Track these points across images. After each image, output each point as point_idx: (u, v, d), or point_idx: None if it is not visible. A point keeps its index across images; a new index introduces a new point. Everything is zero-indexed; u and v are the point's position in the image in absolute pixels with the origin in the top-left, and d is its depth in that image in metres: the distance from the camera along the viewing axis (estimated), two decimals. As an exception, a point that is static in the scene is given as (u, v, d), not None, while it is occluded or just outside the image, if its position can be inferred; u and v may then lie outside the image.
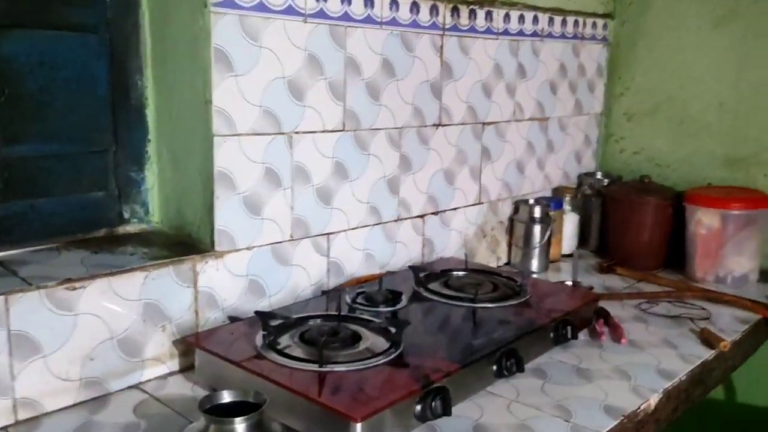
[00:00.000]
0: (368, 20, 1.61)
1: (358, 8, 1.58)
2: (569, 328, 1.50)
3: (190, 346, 1.35)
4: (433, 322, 1.49)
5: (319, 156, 1.58)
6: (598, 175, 2.39)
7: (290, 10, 1.45)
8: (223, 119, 1.37)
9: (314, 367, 1.20)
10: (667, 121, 2.32)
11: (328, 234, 1.63)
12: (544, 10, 2.12)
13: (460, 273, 1.75)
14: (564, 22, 2.21)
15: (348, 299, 1.53)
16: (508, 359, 1.33)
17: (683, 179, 2.25)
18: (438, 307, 1.55)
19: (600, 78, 2.42)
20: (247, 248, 1.47)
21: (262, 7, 1.40)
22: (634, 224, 2.17)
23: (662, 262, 2.18)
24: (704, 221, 2.03)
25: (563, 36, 2.22)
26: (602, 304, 1.73)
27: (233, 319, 1.43)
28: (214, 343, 1.31)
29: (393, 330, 1.32)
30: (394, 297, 1.54)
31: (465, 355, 1.29)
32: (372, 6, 1.61)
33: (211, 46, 1.33)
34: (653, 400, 1.34)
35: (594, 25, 2.34)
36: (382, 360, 1.23)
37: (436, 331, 1.45)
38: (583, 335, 1.59)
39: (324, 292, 1.61)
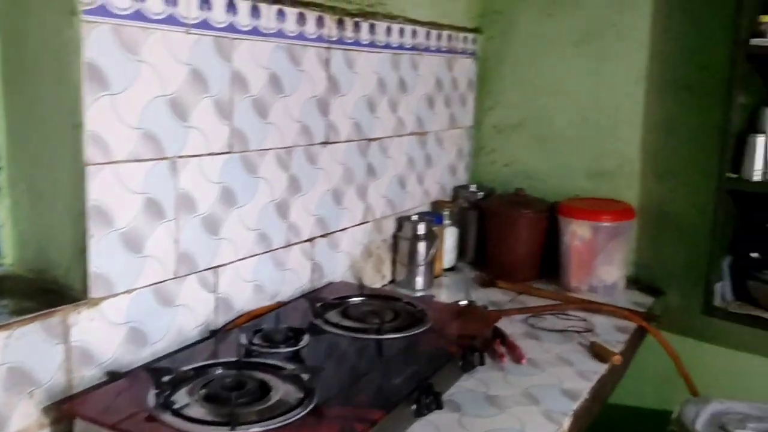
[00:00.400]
0: (255, 32, 1.47)
1: (244, 18, 1.44)
2: (477, 354, 1.47)
3: (64, 413, 1.14)
4: (341, 360, 1.40)
5: (205, 182, 1.41)
6: (472, 188, 2.41)
7: (172, 20, 1.28)
8: (96, 145, 1.17)
9: (225, 430, 1.05)
10: (534, 135, 2.39)
11: (216, 267, 1.47)
12: (422, 24, 2.09)
13: (357, 300, 1.67)
14: (439, 36, 2.20)
15: (245, 340, 1.38)
16: (427, 396, 1.27)
17: (553, 191, 2.33)
18: (342, 342, 1.45)
19: (471, 92, 2.45)
20: (127, 292, 1.28)
21: (140, 16, 1.21)
22: (511, 237, 2.21)
23: (538, 273, 2.24)
24: (578, 233, 2.11)
25: (439, 50, 2.20)
26: (496, 322, 1.73)
27: (113, 376, 1.24)
28: (95, 408, 1.11)
29: (305, 377, 1.20)
30: (295, 334, 1.42)
31: (385, 399, 1.21)
32: (258, 16, 1.47)
33: (82, 60, 1.13)
34: (566, 424, 1.35)
35: (465, 39, 2.35)
36: (299, 414, 1.11)
37: (347, 372, 1.35)
38: (484, 358, 1.57)
39: (213, 333, 1.45)
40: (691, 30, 2.03)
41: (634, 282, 2.21)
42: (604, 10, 2.19)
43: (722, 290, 1.92)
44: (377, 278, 2.05)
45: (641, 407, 2.22)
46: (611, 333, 1.82)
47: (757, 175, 1.80)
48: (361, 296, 1.69)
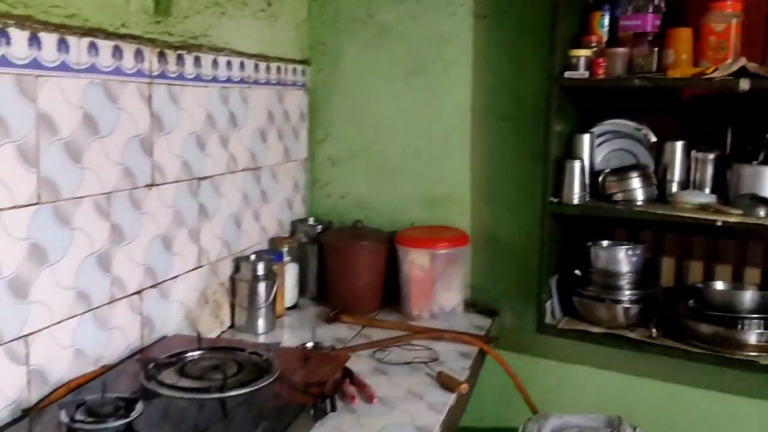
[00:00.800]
0: (63, 67, 1.32)
1: (49, 53, 1.28)
2: (328, 401, 1.41)
3: None
4: (180, 427, 1.27)
5: (9, 239, 1.23)
6: (310, 221, 2.36)
7: (-43, 55, 1.10)
8: None
9: None
10: (368, 166, 2.40)
11: (26, 336, 1.28)
12: (250, 56, 2.01)
13: (195, 354, 1.54)
14: (268, 69, 2.13)
15: (65, 417, 1.21)
16: (280, 457, 1.18)
17: (390, 221, 2.35)
18: (181, 405, 1.32)
19: (303, 124, 2.40)
20: None
21: None
22: (352, 270, 2.18)
23: (380, 304, 2.24)
24: (417, 262, 2.13)
25: (268, 82, 2.14)
26: (344, 362, 1.68)
27: None
28: None
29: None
30: (126, 403, 1.27)
31: (235, 467, 1.11)
32: (67, 50, 1.32)
33: None
34: (424, 463, 1.33)
35: (294, 71, 2.31)
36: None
37: (190, 441, 1.23)
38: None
39: (25, 412, 1.26)
40: (509, 64, 2.15)
41: (472, 305, 2.27)
42: (430, 44, 2.25)
43: (552, 308, 2.03)
44: (216, 325, 1.93)
45: (486, 428, 2.28)
46: (456, 360, 1.84)
47: (576, 198, 1.92)
48: (199, 350, 1.56)
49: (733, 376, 1.93)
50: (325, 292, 2.26)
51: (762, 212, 1.72)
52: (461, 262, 2.19)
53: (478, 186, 2.26)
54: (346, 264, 2.18)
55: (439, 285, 2.15)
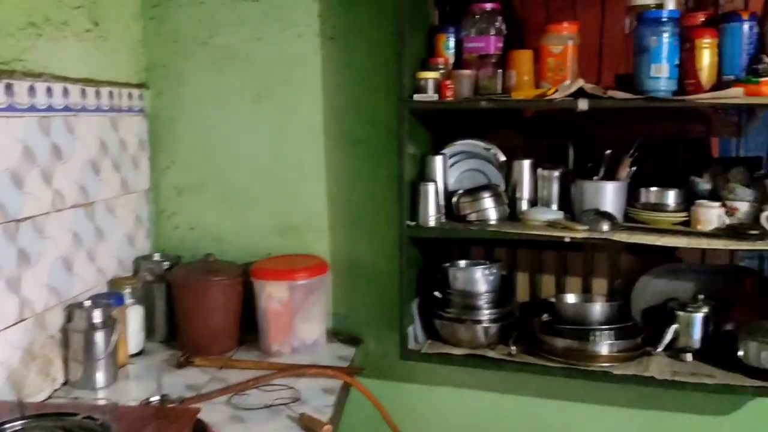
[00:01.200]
0: None
1: None
2: (176, 465, 1.27)
3: None
4: None
5: None
6: (156, 257, 2.18)
7: None
8: None
9: None
10: (218, 195, 2.26)
11: None
12: (75, 80, 1.82)
13: (16, 426, 1.33)
14: (98, 94, 1.94)
15: None
16: None
17: (244, 251, 2.22)
18: (-5, 492, 1.13)
19: (143, 152, 2.22)
20: None
21: None
22: (204, 308, 2.03)
23: (237, 342, 2.10)
24: (275, 294, 2.02)
25: (99, 109, 1.95)
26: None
27: None
28: None
29: None
30: None
31: None
32: None
33: None
34: None
35: (130, 96, 2.13)
36: None
37: None
38: (187, 463, 1.37)
39: None
40: (359, 87, 2.11)
41: (335, 334, 2.20)
42: (276, 66, 2.16)
43: (415, 332, 2.00)
44: (46, 384, 1.71)
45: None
46: (319, 397, 1.76)
47: (432, 221, 1.90)
48: (22, 419, 1.34)
49: (590, 386, 1.99)
50: (176, 334, 2.09)
51: (605, 227, 1.78)
52: (322, 291, 2.11)
53: (335, 211, 2.19)
54: (197, 302, 2.03)
55: (300, 317, 2.05)
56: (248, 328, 2.09)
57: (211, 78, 2.21)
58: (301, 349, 2.05)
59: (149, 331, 2.09)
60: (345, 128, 2.14)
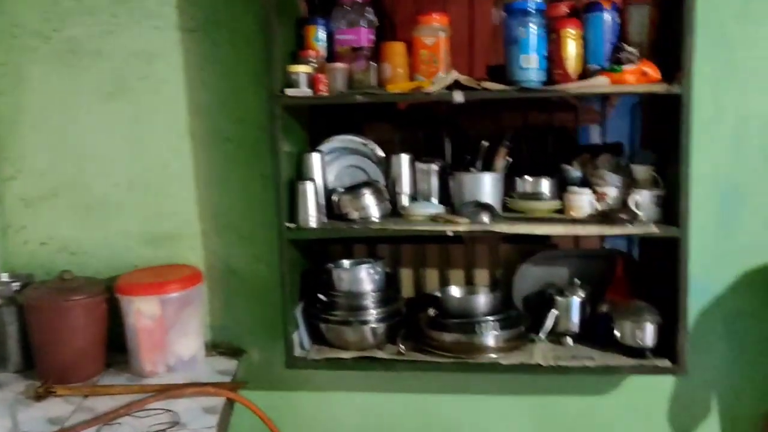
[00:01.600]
0: None
1: None
2: None
3: None
4: None
5: None
6: (4, 278, 1.95)
7: None
8: None
9: None
10: (73, 205, 2.05)
11: None
12: None
13: None
14: None
15: None
16: None
17: (107, 265, 2.04)
18: None
19: (-17, 160, 1.97)
20: None
21: None
22: (64, 331, 1.83)
23: (104, 365, 1.92)
24: (144, 311, 1.86)
25: None
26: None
27: None
28: None
29: None
30: None
31: None
32: None
33: None
34: None
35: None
36: None
37: None
38: None
39: None
40: (225, 82, 1.98)
41: (214, 347, 2.07)
42: (132, 61, 1.99)
43: (300, 338, 1.91)
44: None
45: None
46: (200, 418, 1.65)
47: (312, 222, 1.82)
48: None
49: (479, 378, 2.00)
50: (33, 363, 1.88)
51: (485, 218, 1.78)
52: (197, 303, 1.97)
53: (207, 216, 2.05)
54: (54, 325, 1.83)
55: (174, 333, 1.90)
56: (117, 348, 1.92)
57: (57, 76, 2.00)
58: (178, 366, 1.90)
59: (1, 360, 1.87)
60: (213, 127, 2.01)
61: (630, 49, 1.69)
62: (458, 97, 1.68)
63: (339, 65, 1.82)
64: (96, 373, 1.88)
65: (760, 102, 1.86)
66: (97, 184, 2.05)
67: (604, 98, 2.02)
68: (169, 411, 1.66)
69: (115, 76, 2.00)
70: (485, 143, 1.89)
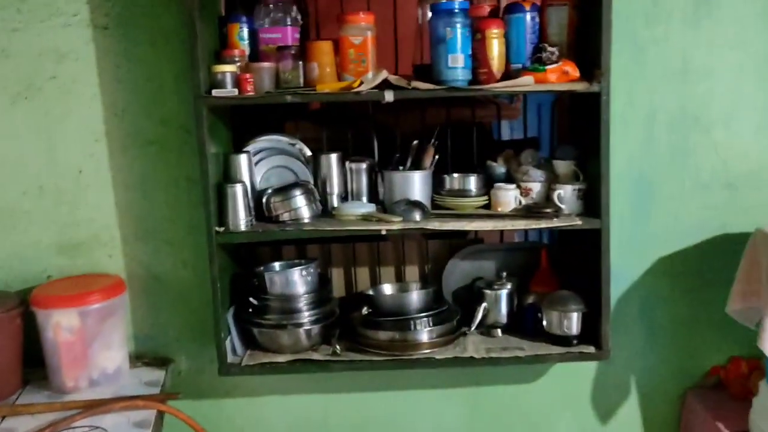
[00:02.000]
0: None
1: None
2: None
3: None
4: None
5: None
6: None
7: None
8: None
9: None
10: (-23, 213, 1.92)
11: None
12: None
13: None
14: None
15: None
16: None
17: (19, 277, 1.92)
18: None
19: None
20: None
21: None
22: (-26, 350, 1.71)
23: (22, 383, 1.81)
24: (63, 323, 1.76)
25: None
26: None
27: None
28: None
29: None
30: None
31: None
32: None
33: None
34: None
35: None
36: None
37: None
38: None
39: None
40: (145, 83, 1.89)
41: (139, 357, 1.99)
42: (39, 61, 1.87)
43: (232, 344, 1.87)
44: None
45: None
46: (132, 433, 1.57)
47: (242, 225, 1.78)
48: None
49: (414, 374, 2.02)
50: (-61, 386, 1.74)
51: (417, 216, 1.80)
52: (120, 313, 1.89)
53: (128, 222, 1.96)
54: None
55: (96, 345, 1.82)
56: (34, 363, 1.82)
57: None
58: (102, 380, 1.82)
59: None
60: (132, 130, 1.92)
61: (551, 48, 1.74)
62: (388, 96, 1.69)
63: (265, 64, 1.78)
64: (12, 392, 1.78)
65: (666, 97, 1.96)
66: (4, 192, 1.92)
67: (524, 95, 2.09)
68: (97, 428, 1.58)
69: (20, 77, 1.88)
70: (416, 142, 1.90)
